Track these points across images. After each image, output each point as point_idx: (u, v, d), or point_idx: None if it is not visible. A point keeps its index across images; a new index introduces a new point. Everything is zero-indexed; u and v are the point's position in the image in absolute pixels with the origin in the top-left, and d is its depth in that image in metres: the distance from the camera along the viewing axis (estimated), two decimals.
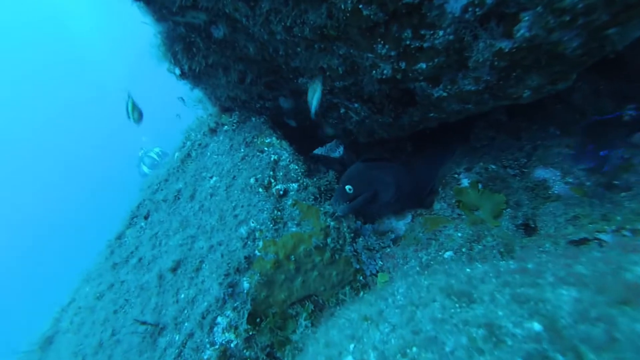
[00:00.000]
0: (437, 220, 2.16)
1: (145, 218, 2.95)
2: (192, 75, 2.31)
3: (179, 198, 2.77)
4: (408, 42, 1.56)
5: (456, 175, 2.43)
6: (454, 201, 2.32)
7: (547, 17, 1.18)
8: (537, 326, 0.76)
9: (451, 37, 1.45)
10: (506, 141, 2.76)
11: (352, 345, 1.03)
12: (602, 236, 1.72)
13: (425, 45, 1.54)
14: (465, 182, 2.32)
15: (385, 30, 1.55)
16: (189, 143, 3.03)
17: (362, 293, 2.05)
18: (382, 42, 1.60)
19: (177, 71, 2.21)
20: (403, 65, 1.71)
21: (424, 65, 1.67)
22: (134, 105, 3.16)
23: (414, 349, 0.86)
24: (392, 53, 1.65)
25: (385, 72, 1.83)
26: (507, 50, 1.41)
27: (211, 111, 3.01)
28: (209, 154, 2.85)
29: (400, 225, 2.37)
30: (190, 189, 2.73)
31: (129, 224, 3.02)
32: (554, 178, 2.14)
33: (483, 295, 0.87)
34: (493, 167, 2.41)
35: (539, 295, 0.80)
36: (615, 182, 2.20)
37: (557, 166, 2.17)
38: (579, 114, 2.34)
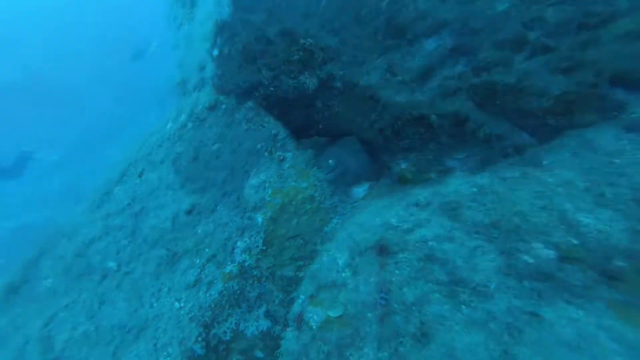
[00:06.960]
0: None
1: (140, 176, 3.28)
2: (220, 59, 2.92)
3: (179, 159, 3.22)
4: None
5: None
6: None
7: None
8: None
9: None
10: None
11: (378, 219, 1.91)
12: None
13: None
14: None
15: None
16: (184, 116, 3.49)
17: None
18: None
19: (215, 52, 2.80)
20: None
21: None
22: None
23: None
24: None
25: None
26: None
27: (207, 90, 3.55)
28: (207, 125, 3.38)
29: (360, 191, 3.34)
30: (192, 152, 3.22)
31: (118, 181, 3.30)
32: None
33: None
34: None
35: None
36: None
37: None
38: None
